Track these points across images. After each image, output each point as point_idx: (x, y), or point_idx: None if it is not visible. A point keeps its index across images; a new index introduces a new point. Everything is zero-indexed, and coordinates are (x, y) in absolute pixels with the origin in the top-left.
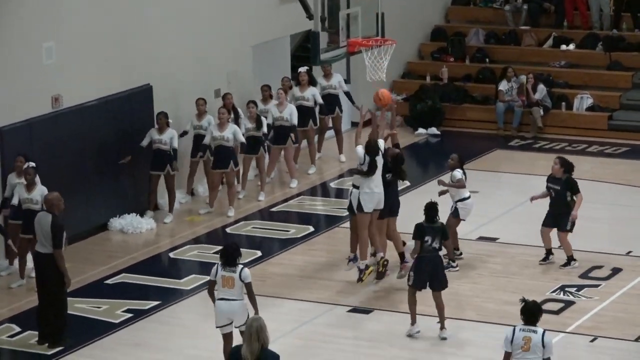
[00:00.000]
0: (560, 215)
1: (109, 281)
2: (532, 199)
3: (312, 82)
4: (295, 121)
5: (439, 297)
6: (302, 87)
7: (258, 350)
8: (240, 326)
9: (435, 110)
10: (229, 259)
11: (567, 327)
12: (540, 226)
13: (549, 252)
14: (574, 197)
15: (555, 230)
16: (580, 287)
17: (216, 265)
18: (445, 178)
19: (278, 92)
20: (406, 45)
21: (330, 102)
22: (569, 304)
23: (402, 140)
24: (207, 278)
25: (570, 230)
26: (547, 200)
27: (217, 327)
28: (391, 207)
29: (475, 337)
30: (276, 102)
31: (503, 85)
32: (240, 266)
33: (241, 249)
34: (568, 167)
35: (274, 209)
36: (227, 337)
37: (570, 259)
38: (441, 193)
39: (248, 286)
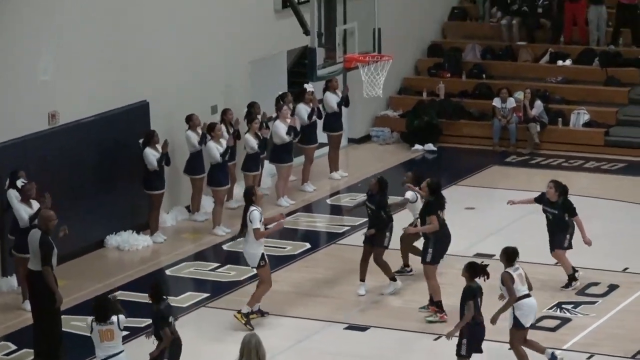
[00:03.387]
0: (554, 233)
1: None
2: (511, 202)
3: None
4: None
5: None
6: (307, 105)
7: None
8: None
9: (431, 126)
10: (99, 313)
11: (563, 344)
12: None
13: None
14: (572, 219)
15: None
16: (577, 304)
17: (89, 320)
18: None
19: (283, 108)
20: (403, 61)
21: (330, 119)
22: (565, 320)
23: (399, 156)
24: (204, 295)
25: (569, 247)
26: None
27: None
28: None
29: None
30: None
31: (496, 102)
32: (114, 317)
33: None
34: (563, 190)
35: (269, 226)
36: None
37: (572, 279)
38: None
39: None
